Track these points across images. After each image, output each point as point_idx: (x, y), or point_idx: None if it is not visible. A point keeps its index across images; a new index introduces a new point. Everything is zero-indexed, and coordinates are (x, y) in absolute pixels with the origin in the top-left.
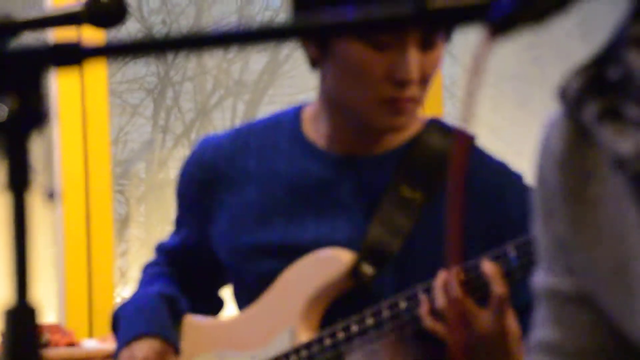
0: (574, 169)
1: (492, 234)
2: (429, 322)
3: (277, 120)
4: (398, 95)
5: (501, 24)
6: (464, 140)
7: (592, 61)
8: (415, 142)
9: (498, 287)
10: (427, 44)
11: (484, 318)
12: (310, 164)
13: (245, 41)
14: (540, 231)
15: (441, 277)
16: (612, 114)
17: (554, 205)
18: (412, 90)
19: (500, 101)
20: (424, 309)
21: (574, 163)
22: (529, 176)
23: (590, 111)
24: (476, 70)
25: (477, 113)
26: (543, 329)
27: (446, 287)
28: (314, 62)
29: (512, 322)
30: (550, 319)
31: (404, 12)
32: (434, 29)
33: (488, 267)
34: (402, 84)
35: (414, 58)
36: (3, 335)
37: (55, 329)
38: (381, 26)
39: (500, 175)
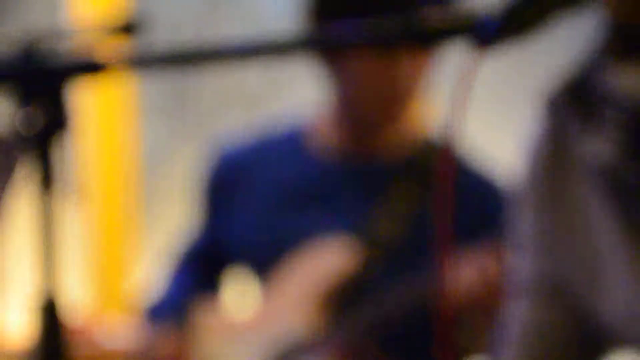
0: (552, 168)
1: (473, 241)
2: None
3: (289, 127)
4: (391, 94)
5: (489, 40)
6: (450, 151)
7: (575, 70)
8: (418, 149)
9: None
10: (424, 48)
11: None
12: (314, 172)
13: (254, 55)
14: (521, 224)
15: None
16: (592, 118)
17: (531, 199)
18: (403, 92)
19: (484, 107)
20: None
21: (553, 163)
22: (509, 183)
23: (572, 115)
24: (464, 84)
25: (461, 122)
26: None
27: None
28: (324, 68)
29: None
30: (529, 308)
31: (394, 29)
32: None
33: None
34: (395, 84)
35: (405, 61)
36: (33, 329)
37: (81, 324)
38: (374, 42)
39: (482, 185)
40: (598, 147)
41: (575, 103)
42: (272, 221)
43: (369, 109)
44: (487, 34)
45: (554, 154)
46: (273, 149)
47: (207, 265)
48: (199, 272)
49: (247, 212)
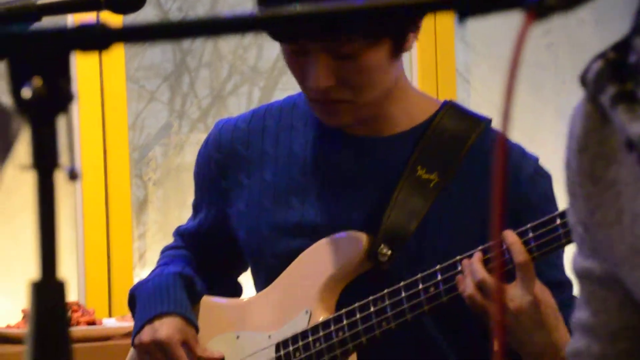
0: (592, 152)
1: (509, 216)
2: (471, 291)
3: (293, 102)
4: (318, 98)
5: (540, 8)
6: (505, 131)
7: (613, 47)
8: (430, 124)
9: (520, 255)
10: (340, 54)
11: (514, 292)
12: (326, 145)
13: (256, 27)
14: (570, 213)
15: (477, 255)
16: (627, 98)
17: (576, 187)
18: (333, 94)
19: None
20: (468, 281)
21: (593, 146)
22: (544, 161)
23: (607, 94)
24: (516, 56)
25: (490, 100)
26: (579, 311)
27: (484, 263)
28: None
29: (543, 293)
30: (584, 301)
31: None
32: (339, 38)
33: (509, 236)
34: (313, 89)
35: (320, 67)
36: (31, 309)
37: (76, 307)
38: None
39: (516, 158)
40: (631, 125)
41: (612, 81)
42: (277, 207)
43: (313, 111)
44: (539, 0)
45: (591, 135)
46: (283, 115)
47: (210, 250)
48: (200, 256)
49: (255, 191)
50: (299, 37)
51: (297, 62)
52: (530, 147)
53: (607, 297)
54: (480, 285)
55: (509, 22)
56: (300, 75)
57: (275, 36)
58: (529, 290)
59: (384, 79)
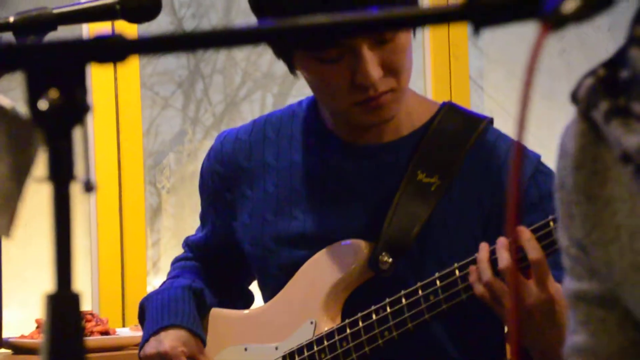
0: (588, 169)
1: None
2: (479, 289)
3: (292, 111)
4: (367, 96)
5: (555, 19)
6: (521, 140)
7: (604, 64)
8: (429, 127)
9: (534, 252)
10: (380, 40)
11: (530, 289)
12: (326, 153)
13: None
14: (562, 235)
15: (500, 241)
16: (620, 113)
17: (572, 207)
18: (382, 85)
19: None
20: (473, 277)
21: (588, 163)
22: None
23: (600, 110)
24: (532, 68)
25: (503, 106)
26: (575, 335)
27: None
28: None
29: (558, 291)
30: (580, 324)
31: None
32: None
33: (522, 232)
34: (367, 87)
35: (370, 59)
36: (46, 322)
37: (90, 316)
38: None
39: (532, 168)
40: (626, 138)
41: (604, 97)
42: (280, 218)
43: (351, 117)
44: (555, 11)
45: (585, 153)
46: (283, 125)
47: (218, 261)
48: (209, 267)
49: (258, 202)
50: (340, 39)
51: (328, 72)
52: (544, 154)
53: (606, 317)
54: (488, 287)
55: (522, 28)
56: (336, 85)
57: (309, 45)
58: (544, 287)
59: (411, 59)
